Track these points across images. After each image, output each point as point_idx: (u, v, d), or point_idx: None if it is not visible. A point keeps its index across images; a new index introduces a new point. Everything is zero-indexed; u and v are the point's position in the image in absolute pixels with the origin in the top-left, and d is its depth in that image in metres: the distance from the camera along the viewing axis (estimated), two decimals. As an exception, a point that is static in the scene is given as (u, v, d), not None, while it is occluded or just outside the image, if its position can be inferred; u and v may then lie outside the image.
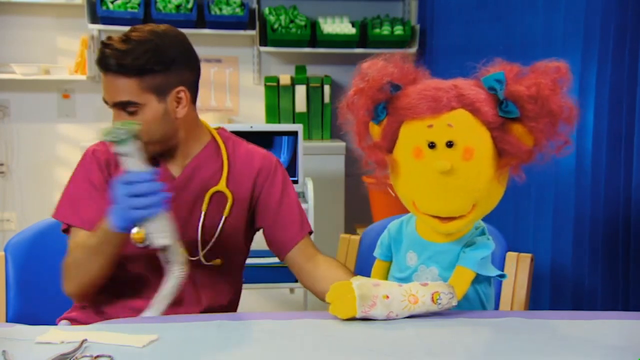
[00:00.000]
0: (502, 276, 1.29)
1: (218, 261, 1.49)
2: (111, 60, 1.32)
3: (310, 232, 1.57)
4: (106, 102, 1.38)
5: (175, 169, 1.48)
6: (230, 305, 1.55)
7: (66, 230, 1.44)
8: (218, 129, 1.57)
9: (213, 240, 1.47)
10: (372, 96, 1.23)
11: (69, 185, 1.46)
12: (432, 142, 1.18)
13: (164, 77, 1.36)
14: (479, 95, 1.17)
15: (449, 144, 1.17)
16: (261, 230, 1.57)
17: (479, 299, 1.29)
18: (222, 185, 1.48)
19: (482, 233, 1.29)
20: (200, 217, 1.47)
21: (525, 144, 1.18)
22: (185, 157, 1.48)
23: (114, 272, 1.38)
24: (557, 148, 1.19)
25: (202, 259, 1.47)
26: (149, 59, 1.33)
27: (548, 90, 1.15)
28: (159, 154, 1.45)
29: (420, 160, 1.19)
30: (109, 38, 1.36)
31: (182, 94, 1.40)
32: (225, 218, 1.48)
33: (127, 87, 1.34)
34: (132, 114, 1.35)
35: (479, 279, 1.27)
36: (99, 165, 1.44)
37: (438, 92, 1.17)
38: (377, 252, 1.38)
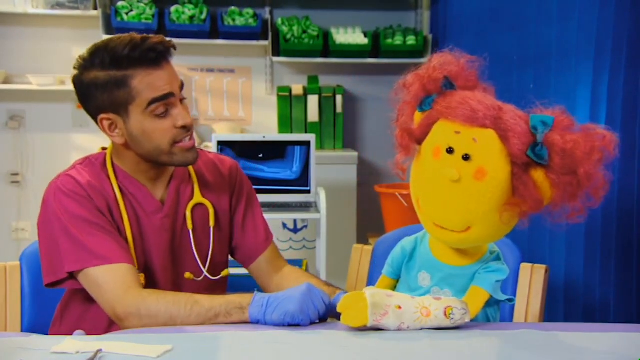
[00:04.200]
0: (511, 300, 1.28)
1: (226, 272, 1.48)
2: (161, 47, 1.30)
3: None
4: (165, 97, 1.30)
5: (158, 192, 1.42)
6: None
7: (55, 283, 1.33)
8: None
9: (209, 254, 1.44)
10: (425, 85, 1.22)
11: (61, 232, 1.31)
12: (451, 148, 1.17)
13: None
14: (517, 128, 1.14)
15: (466, 157, 1.16)
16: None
17: (487, 322, 1.28)
18: (198, 197, 1.45)
19: (497, 258, 1.28)
20: (189, 235, 1.43)
21: (539, 194, 1.15)
22: (167, 175, 1.43)
23: None
24: (570, 213, 1.16)
25: (209, 276, 1.44)
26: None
27: (582, 153, 1.11)
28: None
29: (436, 160, 1.19)
30: (118, 39, 1.30)
31: None
32: (213, 229, 1.45)
33: (175, 72, 1.35)
34: (182, 100, 1.35)
35: (489, 302, 1.26)
36: (82, 198, 1.33)
37: (479, 105, 1.16)
38: (386, 270, 1.37)
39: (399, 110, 1.27)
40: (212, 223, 1.45)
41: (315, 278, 1.50)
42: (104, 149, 1.45)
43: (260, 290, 1.44)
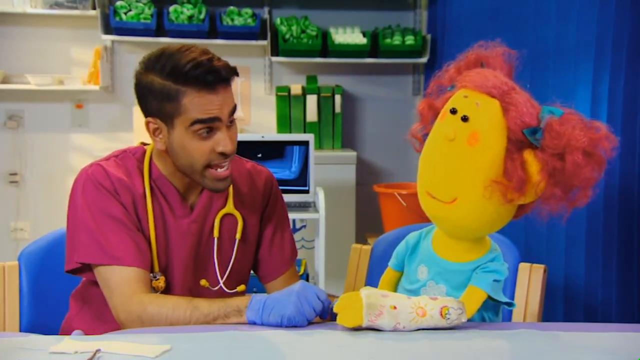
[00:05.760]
0: (511, 305, 1.28)
1: (242, 287, 1.46)
2: (224, 72, 1.29)
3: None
4: (209, 121, 1.29)
5: (191, 197, 1.42)
6: None
7: (75, 270, 1.35)
8: None
9: (230, 265, 1.43)
10: (459, 68, 1.26)
11: (82, 222, 1.32)
12: (454, 109, 1.19)
13: None
14: (521, 106, 1.15)
15: (464, 118, 1.17)
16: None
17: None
18: (230, 207, 1.44)
19: (498, 259, 1.28)
20: (214, 243, 1.42)
21: (524, 173, 1.15)
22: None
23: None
24: (551, 207, 1.17)
25: (224, 288, 1.42)
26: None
27: (576, 141, 1.11)
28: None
29: (440, 122, 1.22)
30: (187, 50, 1.28)
31: None
32: (238, 241, 1.44)
33: (231, 95, 1.33)
34: (232, 122, 1.34)
35: (487, 306, 1.25)
36: (108, 192, 1.33)
37: (493, 77, 1.18)
38: (392, 262, 1.38)
39: (434, 82, 1.29)
40: (238, 236, 1.44)
41: None
42: (143, 144, 1.45)
43: (258, 291, 1.44)
